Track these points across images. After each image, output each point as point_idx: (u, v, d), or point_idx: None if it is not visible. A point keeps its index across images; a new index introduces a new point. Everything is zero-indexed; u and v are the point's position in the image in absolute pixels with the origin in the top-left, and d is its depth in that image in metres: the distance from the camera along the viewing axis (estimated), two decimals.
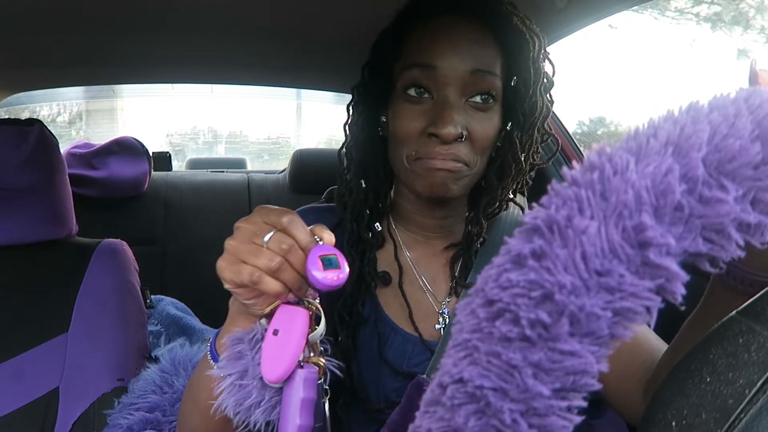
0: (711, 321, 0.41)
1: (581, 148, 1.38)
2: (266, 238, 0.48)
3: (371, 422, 0.68)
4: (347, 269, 0.49)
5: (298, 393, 0.51)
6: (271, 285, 0.48)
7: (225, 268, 0.49)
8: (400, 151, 0.68)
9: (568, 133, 1.40)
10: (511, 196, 0.77)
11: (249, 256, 0.48)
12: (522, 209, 0.80)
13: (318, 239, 0.50)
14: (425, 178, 0.66)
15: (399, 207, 0.76)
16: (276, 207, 0.52)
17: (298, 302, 0.52)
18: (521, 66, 0.68)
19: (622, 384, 0.61)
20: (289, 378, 0.51)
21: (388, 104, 0.71)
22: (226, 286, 0.50)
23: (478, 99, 0.65)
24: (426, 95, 0.66)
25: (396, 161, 0.70)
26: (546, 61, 0.71)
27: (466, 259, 0.73)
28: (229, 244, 0.50)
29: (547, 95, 0.72)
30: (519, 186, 0.77)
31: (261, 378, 0.51)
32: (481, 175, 0.71)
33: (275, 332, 0.50)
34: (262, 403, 0.52)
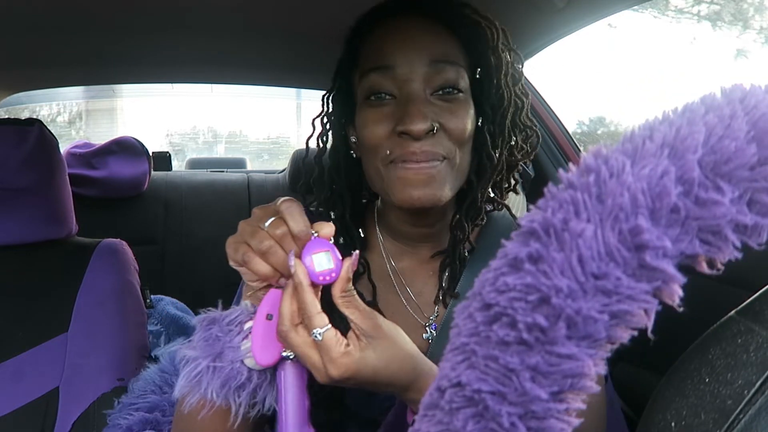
0: None
1: (581, 148, 1.38)
2: (267, 223, 0.51)
3: (366, 425, 0.67)
4: (339, 266, 0.50)
5: (298, 382, 0.52)
6: (259, 266, 0.50)
7: (229, 245, 0.52)
8: (374, 160, 0.64)
9: (568, 133, 1.40)
10: (492, 195, 0.73)
11: (247, 236, 0.51)
12: (512, 214, 0.77)
13: (314, 232, 0.50)
14: (406, 191, 0.62)
15: (385, 217, 0.73)
16: (288, 198, 0.53)
17: None
18: (482, 56, 0.66)
19: None
20: (278, 366, 0.52)
21: (354, 120, 0.68)
22: (231, 263, 0.53)
23: (442, 91, 0.63)
24: (388, 97, 0.63)
25: (372, 175, 0.67)
26: (509, 51, 0.68)
27: (453, 268, 0.70)
28: (240, 224, 0.53)
29: (516, 87, 0.69)
30: (507, 186, 0.74)
31: (241, 362, 0.52)
32: (466, 175, 0.68)
33: (269, 317, 0.52)
34: (247, 387, 0.53)
